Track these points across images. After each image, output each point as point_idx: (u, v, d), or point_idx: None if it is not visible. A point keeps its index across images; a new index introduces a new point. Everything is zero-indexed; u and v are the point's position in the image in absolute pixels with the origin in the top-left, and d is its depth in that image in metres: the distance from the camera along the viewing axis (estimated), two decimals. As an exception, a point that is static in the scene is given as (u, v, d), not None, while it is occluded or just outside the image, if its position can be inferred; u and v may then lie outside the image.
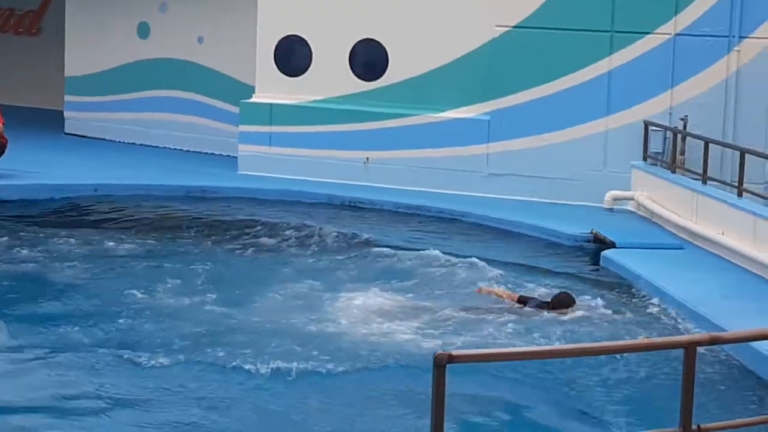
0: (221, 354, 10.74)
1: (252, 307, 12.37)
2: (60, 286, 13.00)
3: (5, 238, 14.90)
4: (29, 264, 13.84)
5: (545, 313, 12.24)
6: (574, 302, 12.50)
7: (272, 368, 10.33)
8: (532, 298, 12.59)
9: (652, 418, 9.28)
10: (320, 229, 15.73)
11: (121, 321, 11.71)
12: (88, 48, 21.67)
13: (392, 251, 14.80)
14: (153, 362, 10.49)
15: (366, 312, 12.20)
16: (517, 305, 12.45)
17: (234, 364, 10.46)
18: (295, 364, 10.43)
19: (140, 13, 21.12)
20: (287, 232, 15.72)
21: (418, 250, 14.88)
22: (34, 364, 10.44)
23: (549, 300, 12.53)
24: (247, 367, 10.39)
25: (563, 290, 12.82)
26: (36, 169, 18.28)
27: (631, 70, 17.22)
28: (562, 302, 12.45)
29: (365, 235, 15.58)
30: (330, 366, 10.48)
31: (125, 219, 16.38)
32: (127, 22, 21.21)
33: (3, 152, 17.77)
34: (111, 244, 14.84)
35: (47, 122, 22.28)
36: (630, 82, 17.20)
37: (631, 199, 16.92)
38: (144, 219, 16.40)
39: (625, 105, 17.28)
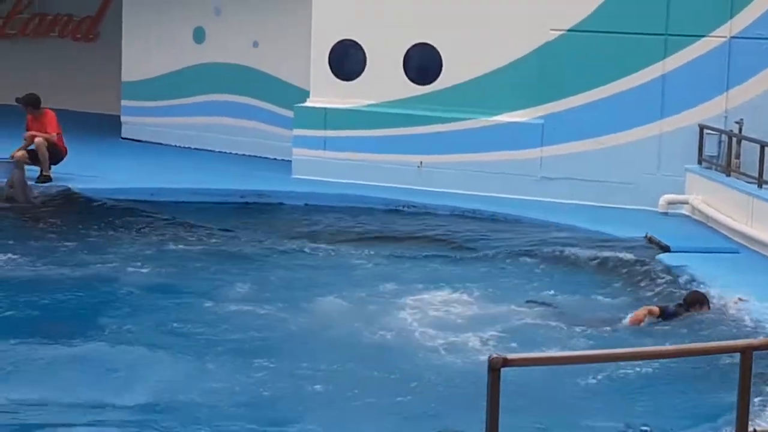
0: (277, 358, 10.83)
1: (315, 311, 12.49)
2: (126, 289, 13.24)
3: (70, 242, 15.12)
4: (94, 266, 14.04)
5: (686, 314, 12.13)
6: (706, 298, 12.42)
7: (331, 375, 10.41)
8: (665, 306, 12.46)
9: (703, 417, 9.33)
10: (379, 231, 15.85)
11: (189, 323, 11.86)
12: (144, 53, 21.87)
13: (452, 254, 14.88)
14: (218, 365, 10.57)
15: (438, 314, 12.27)
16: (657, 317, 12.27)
17: (298, 371, 10.53)
18: (357, 367, 10.52)
19: (196, 18, 21.28)
20: (343, 235, 15.82)
21: (479, 252, 14.98)
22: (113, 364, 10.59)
23: (681, 302, 12.41)
24: (303, 372, 10.47)
25: (693, 290, 12.72)
26: (93, 174, 18.48)
27: (686, 73, 17.17)
28: (697, 300, 12.36)
29: (423, 238, 15.67)
30: (392, 368, 10.52)
31: (182, 222, 16.51)
32: (182, 27, 21.38)
33: (62, 159, 17.97)
34: (171, 246, 15.07)
35: (104, 127, 22.49)
36: (685, 86, 17.15)
37: (686, 203, 16.87)
38: (201, 222, 16.52)
39: (679, 108, 17.23)
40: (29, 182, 17.36)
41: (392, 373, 10.61)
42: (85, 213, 16.88)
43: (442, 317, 12.24)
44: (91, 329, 11.75)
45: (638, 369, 10.42)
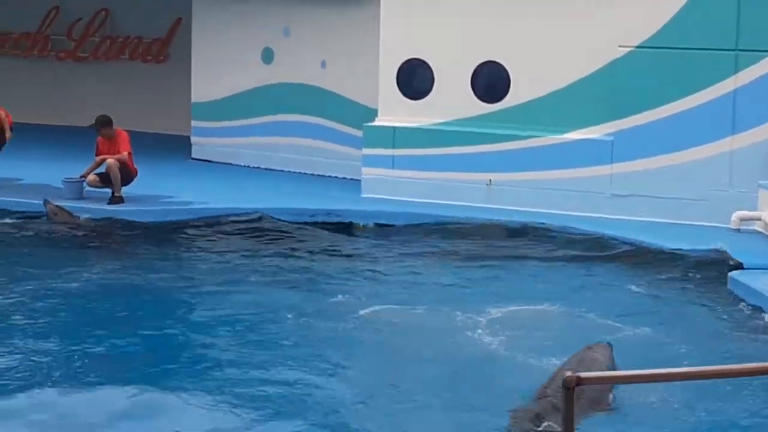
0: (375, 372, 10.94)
1: (405, 325, 12.65)
2: (204, 304, 13.43)
3: (143, 261, 15.34)
4: (171, 284, 14.31)
5: None
6: None
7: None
8: None
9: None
10: (452, 248, 15.89)
11: (273, 336, 12.00)
12: (213, 74, 22.06)
13: (530, 269, 14.89)
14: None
15: (522, 331, 12.27)
16: None
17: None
18: (446, 381, 10.59)
19: (264, 38, 21.44)
20: (417, 252, 15.85)
21: (555, 267, 14.97)
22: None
23: None
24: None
25: None
26: (164, 194, 18.66)
27: (757, 88, 17.00)
28: None
29: (497, 254, 15.69)
30: (480, 382, 10.64)
31: (253, 241, 16.63)
32: (251, 48, 21.55)
33: (132, 180, 18.15)
34: (243, 261, 15.25)
35: (174, 148, 22.71)
36: (756, 101, 16.98)
37: (759, 219, 16.70)
38: (271, 241, 16.63)
39: (751, 124, 17.07)
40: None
41: (482, 390, 10.66)
42: (156, 231, 17.04)
43: (526, 334, 12.24)
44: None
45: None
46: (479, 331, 12.24)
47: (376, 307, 13.14)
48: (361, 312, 12.97)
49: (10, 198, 18.20)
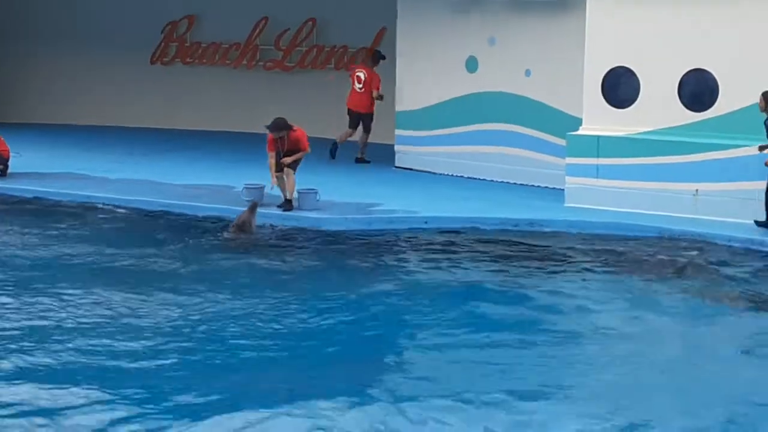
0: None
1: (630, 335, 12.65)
2: (415, 317, 13.58)
3: (346, 269, 15.58)
4: (381, 295, 14.49)
5: None
6: None
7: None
8: None
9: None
10: (661, 261, 15.69)
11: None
12: (417, 83, 22.20)
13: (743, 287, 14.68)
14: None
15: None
16: None
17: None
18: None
19: (469, 47, 21.47)
20: (624, 263, 15.74)
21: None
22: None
23: None
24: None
25: None
26: (368, 202, 18.88)
27: None
28: None
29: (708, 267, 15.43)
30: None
31: (459, 250, 16.67)
32: (456, 57, 21.60)
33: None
34: (454, 271, 15.34)
35: (379, 156, 22.91)
36: None
37: None
38: (479, 250, 16.64)
39: None
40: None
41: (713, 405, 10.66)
42: (361, 239, 17.25)
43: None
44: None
45: None
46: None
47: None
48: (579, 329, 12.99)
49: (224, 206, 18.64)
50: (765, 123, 17.07)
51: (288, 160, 18.18)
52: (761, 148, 17.22)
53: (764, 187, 17.29)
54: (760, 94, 17.04)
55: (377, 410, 10.37)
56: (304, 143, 18.33)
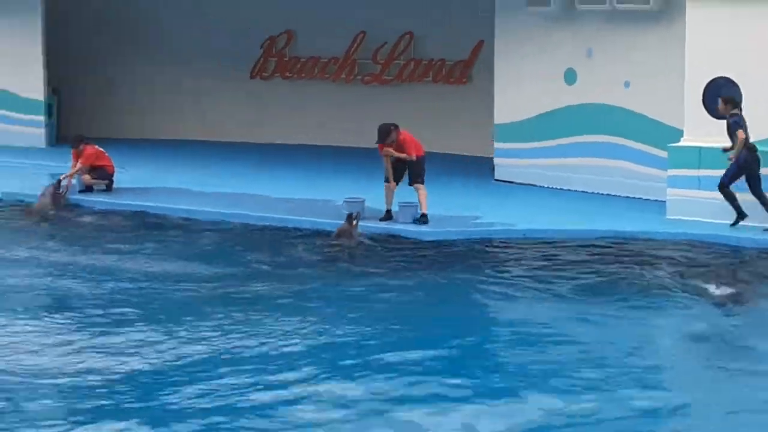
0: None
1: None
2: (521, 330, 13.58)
3: (459, 280, 15.65)
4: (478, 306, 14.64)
5: None
6: None
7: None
8: None
9: None
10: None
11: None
12: (516, 95, 22.18)
13: None
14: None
15: None
16: None
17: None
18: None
19: (567, 59, 21.42)
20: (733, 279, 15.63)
21: None
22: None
23: None
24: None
25: None
26: (468, 214, 18.93)
27: None
28: None
29: None
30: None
31: (559, 263, 16.65)
32: (554, 69, 21.56)
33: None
34: (552, 286, 15.31)
35: (478, 169, 22.93)
36: None
37: None
38: (577, 263, 16.61)
39: None
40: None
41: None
42: (461, 250, 17.29)
43: None
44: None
45: None
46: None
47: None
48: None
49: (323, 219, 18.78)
50: (727, 124, 17.40)
51: (390, 151, 18.17)
52: (725, 150, 17.62)
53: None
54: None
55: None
56: (408, 149, 18.32)
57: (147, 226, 19.10)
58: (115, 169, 21.38)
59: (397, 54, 26.52)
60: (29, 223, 19.32)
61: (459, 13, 25.43)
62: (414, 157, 18.29)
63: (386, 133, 18.25)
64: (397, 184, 18.43)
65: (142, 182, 21.96)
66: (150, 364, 12.02)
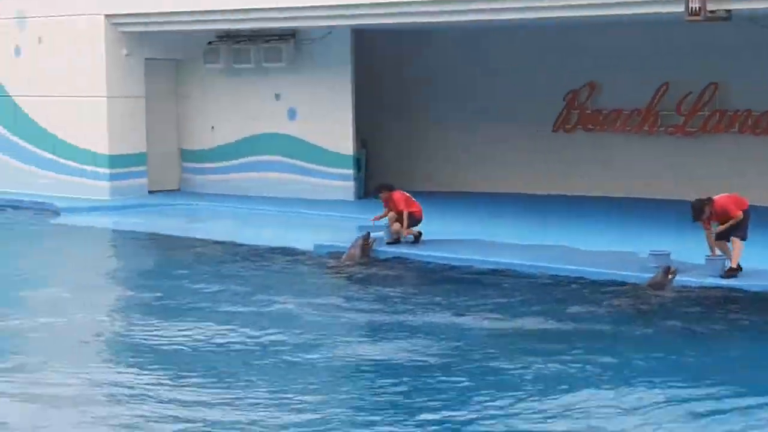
0: None
1: None
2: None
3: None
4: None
5: None
6: None
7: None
8: None
9: None
10: None
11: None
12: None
13: None
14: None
15: None
16: None
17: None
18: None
19: None
20: None
21: None
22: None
23: None
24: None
25: None
26: None
27: None
28: None
29: None
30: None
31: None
32: None
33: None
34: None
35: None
36: None
37: None
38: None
39: None
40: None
41: None
42: None
43: None
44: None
45: None
46: None
47: None
48: None
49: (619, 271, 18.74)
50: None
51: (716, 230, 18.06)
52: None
53: None
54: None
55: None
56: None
57: (458, 281, 19.20)
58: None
59: (702, 105, 26.26)
60: (339, 273, 19.94)
61: (766, 62, 25.05)
62: (741, 216, 18.04)
63: (700, 211, 18.14)
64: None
65: (448, 234, 22.25)
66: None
